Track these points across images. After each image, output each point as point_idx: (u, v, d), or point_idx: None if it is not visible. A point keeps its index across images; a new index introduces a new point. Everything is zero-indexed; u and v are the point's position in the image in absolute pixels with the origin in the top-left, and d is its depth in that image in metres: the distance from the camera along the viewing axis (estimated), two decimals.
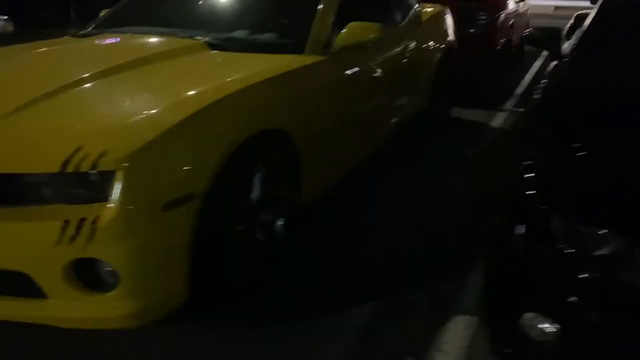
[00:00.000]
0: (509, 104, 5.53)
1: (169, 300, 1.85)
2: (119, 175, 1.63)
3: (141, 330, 1.87)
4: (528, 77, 6.83)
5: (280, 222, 2.41)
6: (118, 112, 1.91)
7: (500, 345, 1.64)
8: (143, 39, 2.78)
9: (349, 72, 2.82)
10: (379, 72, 3.15)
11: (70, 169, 1.63)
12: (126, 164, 1.63)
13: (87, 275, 1.72)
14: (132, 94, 2.08)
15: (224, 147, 1.90)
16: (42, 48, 2.77)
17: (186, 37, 2.69)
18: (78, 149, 1.65)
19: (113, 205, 1.63)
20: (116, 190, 1.63)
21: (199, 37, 2.66)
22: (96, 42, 2.84)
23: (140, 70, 2.25)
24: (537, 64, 7.73)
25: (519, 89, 6.21)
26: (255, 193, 2.21)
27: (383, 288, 2.34)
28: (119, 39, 2.84)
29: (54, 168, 1.63)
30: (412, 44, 3.71)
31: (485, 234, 2.73)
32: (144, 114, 1.84)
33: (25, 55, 2.68)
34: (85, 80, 2.13)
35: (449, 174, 3.63)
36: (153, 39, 2.75)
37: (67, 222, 1.63)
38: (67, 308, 1.75)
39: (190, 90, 2.02)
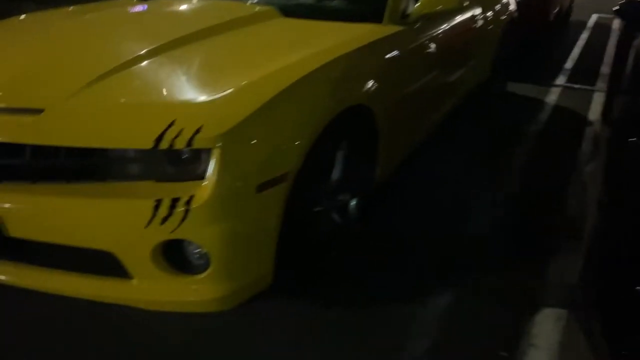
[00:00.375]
0: (561, 79, 5.29)
1: (256, 283, 1.76)
2: (216, 153, 1.51)
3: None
4: (576, 51, 6.53)
5: (353, 203, 2.30)
6: (207, 84, 1.77)
7: (618, 347, 1.53)
8: (211, 3, 2.63)
9: (424, 43, 2.65)
10: (449, 42, 2.97)
11: (164, 145, 1.51)
12: (223, 142, 1.51)
13: (175, 256, 1.63)
14: (216, 64, 1.94)
15: (318, 123, 1.77)
16: (104, 11, 2.63)
17: (256, 2, 2.54)
18: (171, 124, 1.53)
19: (208, 184, 1.52)
20: (212, 169, 1.52)
21: (270, 3, 2.50)
22: (163, 6, 2.69)
23: (219, 39, 2.10)
24: (584, 36, 7.39)
25: (569, 64, 5.94)
26: (337, 172, 2.09)
27: (461, 278, 2.22)
28: (186, 4, 2.68)
29: (147, 144, 1.51)
30: (479, 13, 3.50)
31: (562, 224, 2.65)
32: (235, 86, 1.70)
33: (87, 20, 2.53)
34: (163, 49, 1.98)
35: (517, 156, 3.48)
36: (222, 3, 2.60)
37: (159, 201, 1.52)
38: (153, 290, 1.67)
39: (278, 61, 1.87)
